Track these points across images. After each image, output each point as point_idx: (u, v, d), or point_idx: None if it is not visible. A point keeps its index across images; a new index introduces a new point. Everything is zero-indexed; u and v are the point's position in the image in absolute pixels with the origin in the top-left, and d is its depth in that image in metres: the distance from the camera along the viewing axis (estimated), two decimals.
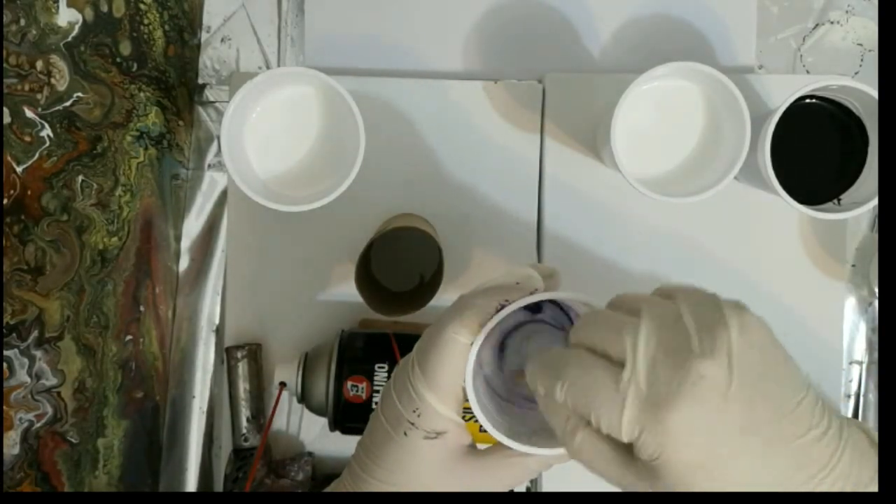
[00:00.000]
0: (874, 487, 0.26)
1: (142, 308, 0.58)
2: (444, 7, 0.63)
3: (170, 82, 0.60)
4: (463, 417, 0.34)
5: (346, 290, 0.57)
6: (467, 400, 0.33)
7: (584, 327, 0.30)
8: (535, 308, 0.35)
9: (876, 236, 0.63)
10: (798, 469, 0.25)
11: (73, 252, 0.50)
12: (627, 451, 0.28)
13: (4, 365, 0.44)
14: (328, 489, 0.37)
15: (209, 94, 0.64)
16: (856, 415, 0.63)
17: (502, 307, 0.32)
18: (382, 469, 0.34)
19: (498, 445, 0.33)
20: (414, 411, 0.33)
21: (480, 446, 0.35)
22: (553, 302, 0.35)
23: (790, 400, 0.26)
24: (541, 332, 0.35)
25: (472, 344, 0.32)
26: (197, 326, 0.64)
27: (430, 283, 0.57)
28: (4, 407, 0.44)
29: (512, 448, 0.32)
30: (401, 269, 0.60)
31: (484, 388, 0.35)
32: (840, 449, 0.26)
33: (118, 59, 0.54)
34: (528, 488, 0.62)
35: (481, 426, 0.32)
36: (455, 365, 0.32)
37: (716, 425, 0.25)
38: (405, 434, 0.33)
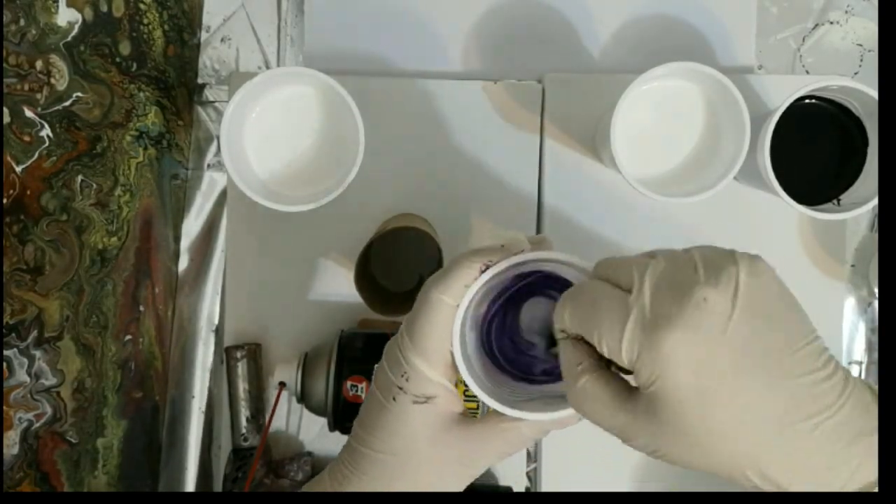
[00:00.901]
0: (874, 438, 0.26)
1: (141, 308, 0.58)
2: (445, 7, 0.63)
3: (169, 82, 0.60)
4: (457, 387, 0.34)
5: (346, 290, 0.57)
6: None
7: (604, 264, 0.30)
8: (528, 278, 0.35)
9: (876, 236, 0.63)
10: (797, 407, 0.25)
11: (73, 252, 0.50)
12: (628, 395, 0.28)
13: (4, 364, 0.44)
14: (327, 468, 0.36)
15: (209, 93, 0.64)
16: None
17: (487, 268, 0.32)
18: (374, 437, 0.34)
19: (491, 413, 0.33)
20: (402, 375, 0.33)
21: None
22: (543, 274, 0.35)
23: (795, 341, 0.26)
24: (539, 302, 0.35)
25: (458, 306, 0.32)
26: (196, 326, 0.64)
27: None
28: (4, 407, 0.44)
29: (503, 413, 0.32)
30: (400, 269, 0.60)
31: (478, 355, 0.35)
32: (844, 396, 0.26)
33: (118, 59, 0.54)
34: (527, 488, 0.62)
35: (467, 390, 0.32)
36: (441, 327, 0.32)
37: (713, 352, 0.25)
38: (394, 399, 0.33)
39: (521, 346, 0.36)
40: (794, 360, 0.26)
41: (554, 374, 0.35)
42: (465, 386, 0.33)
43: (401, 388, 0.33)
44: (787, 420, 0.25)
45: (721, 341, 0.25)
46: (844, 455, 0.26)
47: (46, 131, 0.47)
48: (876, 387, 0.29)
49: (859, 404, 0.26)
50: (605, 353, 0.28)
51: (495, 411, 0.32)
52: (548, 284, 0.35)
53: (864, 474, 0.26)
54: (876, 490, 0.26)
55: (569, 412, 0.32)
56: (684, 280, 0.27)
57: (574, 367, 0.30)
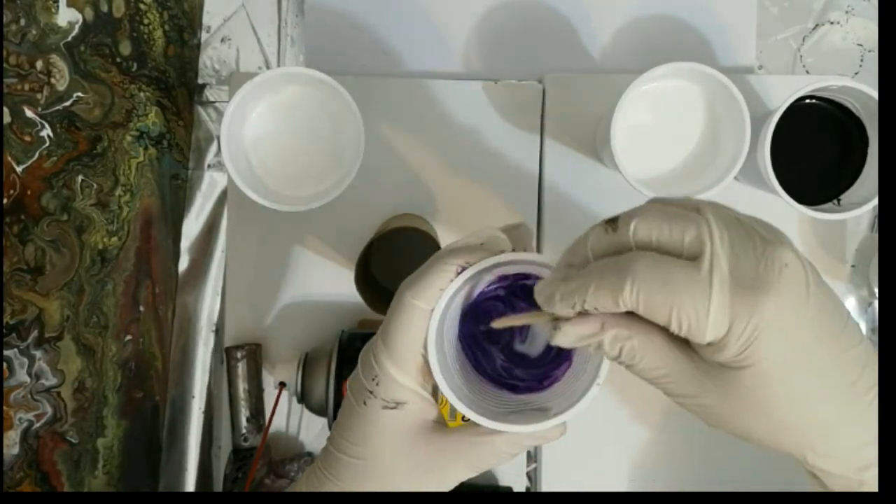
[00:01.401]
0: None
1: (141, 308, 0.58)
2: (444, 7, 0.63)
3: (170, 82, 0.60)
4: (435, 395, 0.32)
5: (346, 290, 0.57)
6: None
7: (645, 220, 0.26)
8: (510, 279, 0.34)
9: (876, 236, 0.63)
10: (861, 377, 0.25)
11: (73, 252, 0.50)
12: (684, 348, 0.26)
13: (4, 365, 0.44)
14: (307, 471, 0.36)
15: (209, 94, 0.64)
16: None
17: (464, 270, 0.31)
18: (346, 441, 0.32)
19: (467, 424, 0.32)
20: (373, 379, 0.31)
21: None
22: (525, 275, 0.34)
23: (844, 314, 0.26)
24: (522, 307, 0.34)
25: (432, 310, 0.31)
26: (197, 326, 0.64)
27: None
28: (4, 407, 0.44)
29: (479, 424, 0.30)
30: (400, 269, 0.60)
31: (457, 361, 0.34)
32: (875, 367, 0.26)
33: (118, 59, 0.54)
34: (527, 488, 0.62)
35: (442, 399, 0.31)
36: (415, 332, 0.30)
37: (799, 320, 0.24)
38: (364, 403, 0.32)
39: (504, 350, 0.35)
40: (848, 330, 0.26)
41: (538, 382, 0.34)
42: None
43: (371, 393, 0.32)
44: (859, 388, 0.25)
45: (804, 310, 0.24)
46: None
47: (47, 131, 0.47)
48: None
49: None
50: (683, 329, 0.25)
51: (472, 423, 0.31)
52: (518, 286, 0.33)
53: None
54: None
55: (547, 425, 0.30)
56: (751, 238, 0.25)
57: (597, 328, 0.26)
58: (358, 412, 0.32)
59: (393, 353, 0.31)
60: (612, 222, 0.27)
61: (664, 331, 0.26)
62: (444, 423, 0.33)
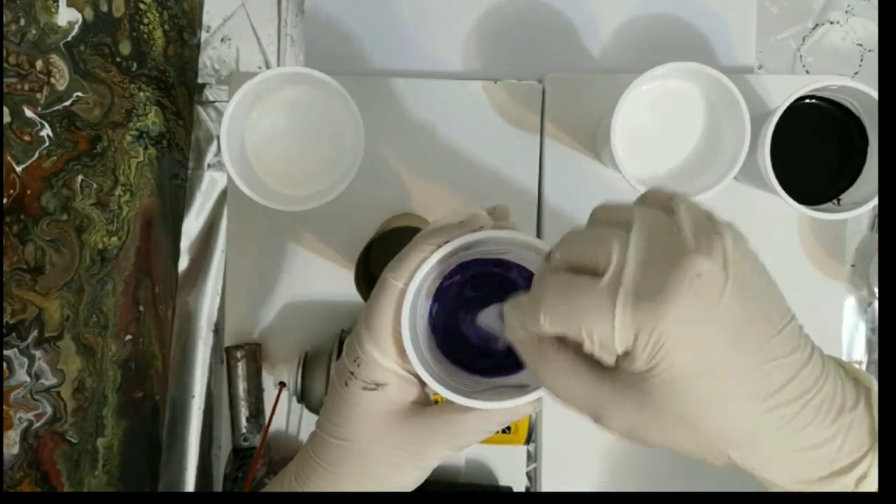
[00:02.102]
0: (859, 410, 0.26)
1: (141, 308, 0.58)
2: (444, 7, 0.63)
3: (169, 82, 0.60)
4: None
5: (346, 290, 0.57)
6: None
7: (566, 244, 0.27)
8: (494, 263, 0.34)
9: (876, 236, 0.63)
10: (787, 385, 0.25)
11: (73, 252, 0.50)
12: (603, 372, 0.26)
13: (4, 364, 0.44)
14: (297, 454, 0.36)
15: (209, 93, 0.64)
16: None
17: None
18: (330, 423, 0.33)
19: (442, 403, 0.32)
20: (355, 360, 0.32)
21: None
22: (490, 260, 0.34)
23: (779, 319, 0.25)
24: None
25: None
26: (196, 326, 0.64)
27: None
28: (4, 406, 0.44)
29: (452, 401, 0.31)
30: None
31: (429, 345, 0.34)
32: (824, 374, 0.26)
33: (118, 59, 0.54)
34: (527, 488, 0.62)
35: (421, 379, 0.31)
36: (394, 311, 0.31)
37: (710, 328, 0.24)
38: (346, 385, 0.32)
39: (472, 338, 0.35)
40: (780, 338, 0.25)
41: (508, 366, 0.34)
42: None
43: (352, 374, 0.32)
44: (779, 398, 0.25)
45: (715, 317, 0.24)
46: (830, 431, 0.25)
47: (47, 131, 0.47)
48: (841, 358, 0.29)
49: (837, 380, 0.26)
50: (596, 347, 0.25)
51: (447, 402, 0.31)
52: (493, 272, 0.33)
53: (849, 448, 0.26)
54: (857, 469, 0.26)
55: (519, 401, 0.30)
56: (671, 247, 0.25)
57: (540, 347, 0.28)
58: (340, 394, 0.32)
59: (374, 333, 0.31)
60: (548, 256, 0.28)
61: (587, 359, 0.26)
62: (425, 404, 0.33)
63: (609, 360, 0.26)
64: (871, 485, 0.26)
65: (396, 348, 0.31)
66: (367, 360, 0.32)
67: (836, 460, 0.26)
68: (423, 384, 0.32)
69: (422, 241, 0.31)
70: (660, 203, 0.27)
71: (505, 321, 0.29)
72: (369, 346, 0.31)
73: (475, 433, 0.32)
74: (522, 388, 0.32)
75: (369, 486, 0.33)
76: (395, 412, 0.32)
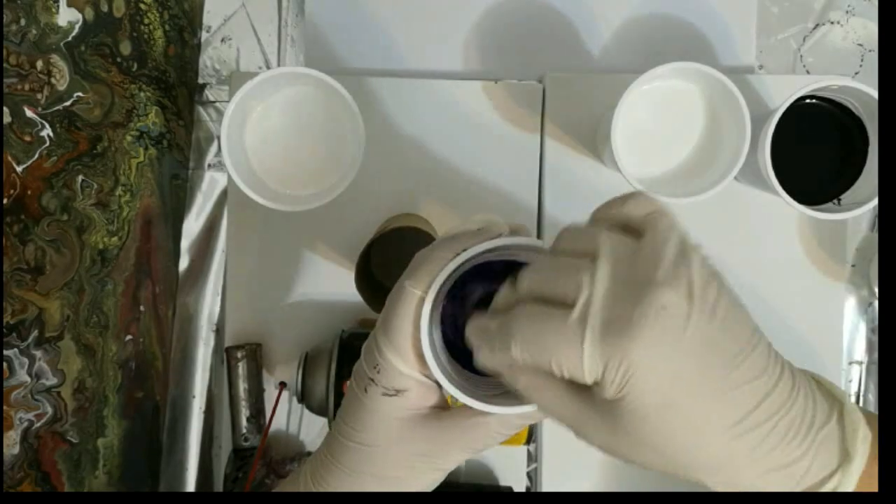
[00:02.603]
0: (829, 428, 0.26)
1: (142, 308, 0.58)
2: (444, 7, 0.63)
3: (170, 82, 0.61)
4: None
5: (346, 290, 0.57)
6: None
7: (532, 275, 0.28)
8: (509, 265, 0.34)
9: (876, 236, 0.63)
10: (755, 410, 0.25)
11: (73, 252, 0.50)
12: (582, 391, 0.27)
13: (4, 364, 0.44)
14: (313, 454, 0.36)
15: (209, 93, 0.64)
16: None
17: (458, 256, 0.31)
18: (347, 427, 0.33)
19: (460, 408, 0.32)
20: (374, 367, 0.32)
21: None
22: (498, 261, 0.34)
23: (746, 343, 0.26)
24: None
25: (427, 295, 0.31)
26: (197, 326, 0.64)
27: None
28: (4, 406, 0.44)
29: (470, 406, 0.31)
30: (401, 269, 0.60)
31: (444, 349, 0.34)
32: (794, 391, 0.26)
33: (118, 59, 0.54)
34: (527, 488, 0.62)
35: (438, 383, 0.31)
36: (413, 319, 0.31)
37: (674, 359, 0.24)
38: (366, 391, 0.32)
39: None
40: (748, 363, 0.25)
41: None
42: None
43: (372, 380, 0.32)
44: (747, 424, 0.25)
45: (680, 347, 0.24)
46: (799, 450, 0.26)
47: (47, 131, 0.47)
48: (813, 372, 0.29)
49: (808, 396, 0.26)
50: (566, 376, 0.26)
51: (464, 406, 0.31)
52: (502, 273, 0.33)
53: (818, 467, 0.26)
54: (827, 485, 0.26)
55: (533, 406, 0.31)
56: (635, 279, 0.25)
57: (513, 371, 0.28)
58: (359, 399, 0.33)
59: (393, 341, 0.31)
60: (513, 278, 0.29)
61: (563, 379, 0.27)
62: (444, 408, 0.34)
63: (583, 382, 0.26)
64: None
65: (416, 355, 0.32)
66: (386, 366, 0.32)
67: (805, 477, 0.26)
68: (440, 387, 0.33)
69: (439, 249, 0.31)
70: (623, 218, 0.28)
71: (471, 345, 0.30)
72: (389, 353, 0.31)
73: (494, 437, 0.33)
74: None
75: (387, 489, 0.34)
76: (414, 417, 0.33)
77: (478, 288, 0.34)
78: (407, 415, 0.32)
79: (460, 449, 0.33)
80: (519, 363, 0.27)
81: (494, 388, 0.33)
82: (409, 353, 0.31)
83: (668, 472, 0.27)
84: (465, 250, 0.31)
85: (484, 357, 0.29)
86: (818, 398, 0.27)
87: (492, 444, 0.33)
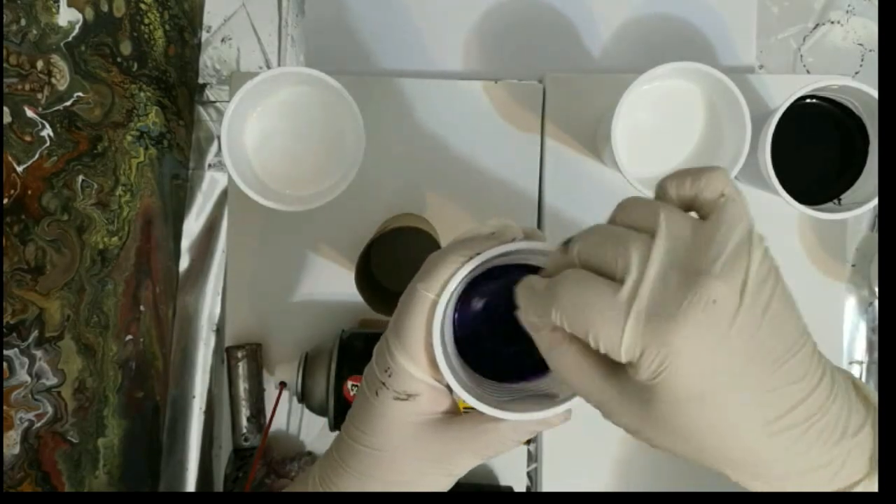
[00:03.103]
0: (862, 435, 0.26)
1: (142, 308, 0.58)
2: (444, 7, 0.63)
3: (170, 82, 0.61)
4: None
5: (346, 290, 0.57)
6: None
7: (586, 240, 0.27)
8: (521, 269, 0.33)
9: (876, 236, 0.63)
10: (792, 411, 0.25)
11: (74, 252, 0.50)
12: (613, 370, 0.26)
13: (4, 364, 0.44)
14: (322, 455, 0.36)
15: (209, 93, 0.64)
16: None
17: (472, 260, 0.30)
18: (358, 430, 0.33)
19: (472, 413, 0.32)
20: (386, 371, 0.32)
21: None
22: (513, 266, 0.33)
23: (793, 344, 0.25)
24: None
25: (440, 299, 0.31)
26: (197, 326, 0.64)
27: None
28: (4, 406, 0.44)
29: (482, 412, 0.31)
30: (401, 269, 0.60)
31: (456, 354, 0.34)
32: (832, 396, 0.26)
33: (118, 59, 0.54)
34: (528, 488, 0.62)
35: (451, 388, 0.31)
36: (425, 323, 0.31)
37: (718, 352, 0.24)
38: (377, 394, 0.32)
39: (493, 345, 0.34)
40: (792, 363, 0.25)
41: (531, 372, 0.34)
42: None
43: (383, 384, 0.32)
44: (783, 424, 0.25)
45: (725, 341, 0.24)
46: (830, 455, 0.26)
47: (47, 131, 0.47)
48: (855, 377, 0.29)
49: (845, 402, 0.26)
50: (602, 349, 0.25)
51: (475, 411, 0.31)
52: (514, 276, 0.33)
53: (847, 473, 0.26)
54: (858, 489, 0.26)
55: (548, 413, 0.30)
56: (690, 266, 0.24)
57: (546, 338, 0.28)
58: (370, 402, 0.32)
59: (405, 345, 0.31)
60: (567, 243, 0.28)
61: (598, 355, 0.26)
62: (455, 413, 0.33)
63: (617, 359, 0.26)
64: None
65: (428, 359, 0.31)
66: (398, 370, 0.31)
67: (831, 483, 0.26)
68: (452, 392, 0.32)
69: (452, 252, 0.31)
70: (692, 195, 0.27)
71: (518, 303, 0.29)
72: (401, 357, 0.31)
73: (506, 443, 0.32)
74: (549, 397, 0.31)
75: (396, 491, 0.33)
76: (425, 422, 0.32)
77: (490, 292, 0.34)
78: (418, 419, 0.32)
79: (471, 454, 0.33)
80: (555, 327, 0.27)
81: (506, 393, 0.33)
82: (422, 358, 0.31)
83: (691, 460, 0.26)
84: (478, 254, 0.31)
85: (526, 314, 0.28)
86: (854, 404, 0.27)
87: (503, 450, 0.33)
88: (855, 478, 0.26)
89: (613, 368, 0.26)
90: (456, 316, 0.34)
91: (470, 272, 0.31)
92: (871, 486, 0.26)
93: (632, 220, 0.27)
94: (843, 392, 0.27)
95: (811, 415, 0.25)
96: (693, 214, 0.27)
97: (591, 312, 0.25)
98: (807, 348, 0.26)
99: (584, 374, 0.27)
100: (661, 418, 0.25)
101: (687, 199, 0.27)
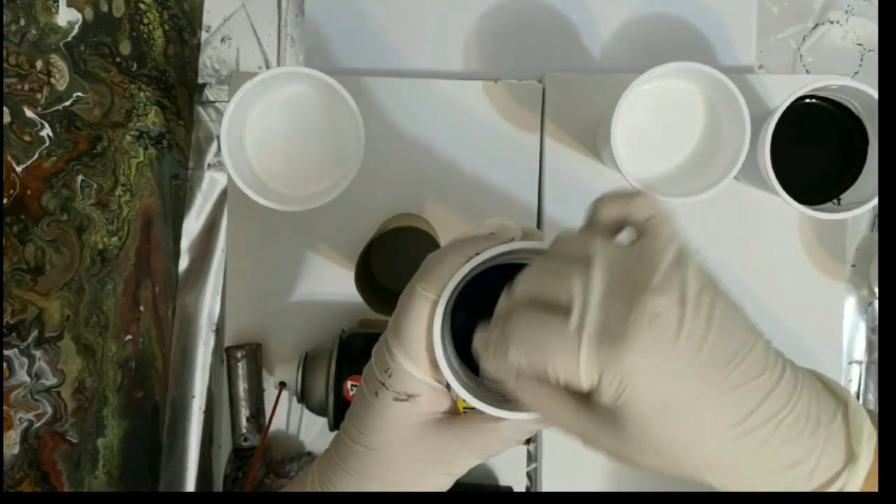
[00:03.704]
0: (835, 426, 0.26)
1: (142, 308, 0.58)
2: (444, 7, 0.63)
3: (170, 82, 0.60)
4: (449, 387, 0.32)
5: (346, 290, 0.57)
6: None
7: (528, 279, 0.28)
8: (520, 268, 0.34)
9: (876, 236, 0.63)
10: (756, 410, 0.25)
11: (73, 252, 0.50)
12: (582, 398, 0.27)
13: (4, 364, 0.44)
14: (320, 455, 0.36)
15: (209, 93, 0.64)
16: None
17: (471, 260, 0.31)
18: (356, 430, 0.33)
19: (472, 412, 0.32)
20: (385, 371, 0.32)
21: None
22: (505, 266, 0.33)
23: (744, 343, 0.26)
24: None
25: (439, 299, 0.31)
26: (197, 326, 0.64)
27: None
28: (4, 406, 0.44)
29: (482, 411, 0.31)
30: (401, 268, 0.60)
31: (455, 354, 0.34)
32: (798, 390, 0.26)
33: (118, 59, 0.54)
34: (527, 488, 0.62)
35: (450, 387, 0.31)
36: (425, 325, 0.31)
37: (670, 363, 0.24)
38: (376, 394, 0.32)
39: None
40: (748, 362, 0.25)
41: None
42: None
43: (383, 384, 0.32)
44: (748, 424, 0.25)
45: (676, 350, 0.24)
46: (804, 448, 0.26)
47: (47, 131, 0.47)
48: (819, 372, 0.29)
49: (812, 394, 0.26)
50: (562, 381, 0.26)
51: (475, 411, 0.31)
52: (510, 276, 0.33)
53: (826, 465, 0.26)
54: (835, 484, 0.26)
55: None
56: (630, 284, 0.25)
57: (518, 379, 0.28)
58: (370, 403, 0.32)
59: (405, 345, 0.31)
60: (510, 283, 0.29)
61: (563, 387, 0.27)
62: (455, 412, 0.33)
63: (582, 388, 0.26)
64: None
65: (428, 360, 0.31)
66: (398, 371, 0.31)
67: (812, 477, 0.26)
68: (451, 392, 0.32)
69: (451, 253, 0.31)
70: (623, 217, 0.28)
71: (477, 357, 0.29)
72: (401, 357, 0.31)
73: (506, 442, 0.33)
74: None
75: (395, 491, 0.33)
76: (425, 422, 0.32)
77: (489, 291, 0.34)
78: (418, 420, 0.32)
79: (471, 454, 0.33)
80: (519, 370, 0.27)
81: (506, 393, 0.33)
82: (421, 358, 0.31)
83: (676, 476, 0.27)
84: (477, 254, 0.31)
85: (487, 365, 0.29)
86: (822, 397, 0.27)
87: (503, 449, 0.33)
88: (833, 471, 0.26)
89: (581, 398, 0.27)
90: (455, 315, 0.34)
91: (469, 272, 0.31)
92: (852, 477, 0.26)
93: (568, 251, 0.28)
94: (809, 385, 0.27)
95: (777, 411, 0.25)
96: (624, 233, 0.28)
97: (545, 347, 0.26)
98: (759, 346, 0.26)
99: (556, 409, 0.27)
100: (634, 436, 0.26)
101: (617, 221, 0.29)
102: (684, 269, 0.25)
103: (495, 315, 0.29)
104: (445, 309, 0.31)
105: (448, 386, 0.31)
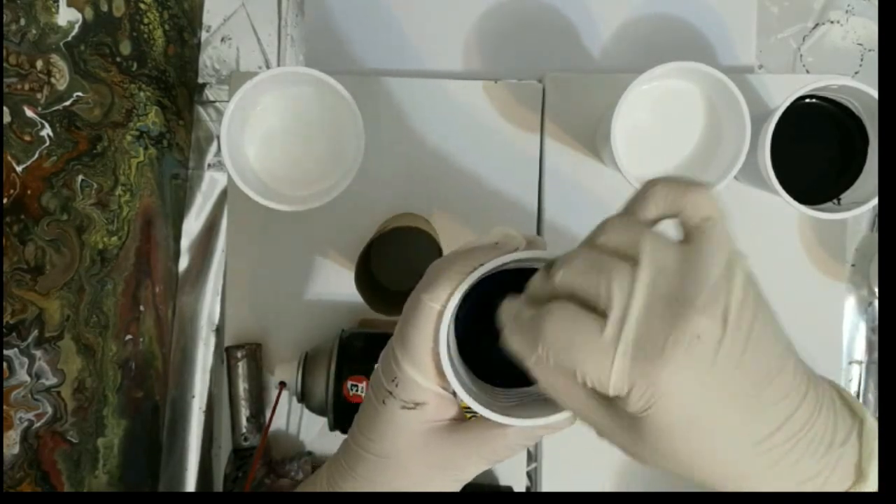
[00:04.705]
0: (848, 445, 0.26)
1: (142, 308, 0.58)
2: (444, 7, 0.63)
3: (170, 82, 0.60)
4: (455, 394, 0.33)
5: (346, 290, 0.57)
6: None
7: (569, 267, 0.27)
8: (523, 274, 0.34)
9: (876, 236, 0.63)
10: (778, 429, 0.25)
11: (73, 251, 0.50)
12: (605, 396, 0.26)
13: (4, 364, 0.44)
14: (328, 461, 0.37)
15: (209, 93, 0.64)
16: None
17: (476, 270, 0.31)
18: (365, 438, 0.33)
19: (479, 419, 0.32)
20: (392, 380, 0.32)
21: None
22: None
23: (776, 363, 0.26)
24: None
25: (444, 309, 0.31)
26: (197, 326, 0.64)
27: None
28: (4, 406, 0.44)
29: (489, 418, 0.31)
30: (401, 269, 0.60)
31: (459, 361, 0.34)
32: (817, 410, 0.26)
33: (118, 59, 0.54)
34: (527, 488, 0.62)
35: (455, 393, 0.31)
36: (431, 333, 0.31)
37: (704, 382, 0.24)
38: (384, 403, 0.32)
39: (492, 350, 0.34)
40: (776, 383, 0.25)
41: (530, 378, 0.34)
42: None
43: (390, 393, 0.32)
44: (770, 443, 0.25)
45: (711, 371, 0.24)
46: (817, 467, 0.26)
47: (47, 131, 0.47)
48: (839, 385, 0.29)
49: (830, 413, 0.27)
50: (589, 385, 0.26)
51: (482, 417, 0.31)
52: (514, 281, 0.33)
53: (835, 482, 0.26)
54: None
55: (555, 419, 0.31)
56: (673, 297, 0.24)
57: (539, 365, 0.28)
58: (377, 410, 0.33)
59: (411, 355, 0.31)
60: (550, 267, 0.28)
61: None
62: (461, 419, 0.34)
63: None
64: None
65: (434, 368, 0.31)
66: (405, 380, 0.32)
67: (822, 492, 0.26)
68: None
69: (456, 263, 0.31)
70: (676, 211, 0.27)
71: (501, 326, 0.29)
72: (407, 367, 0.31)
73: (513, 448, 0.33)
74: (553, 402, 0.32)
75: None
76: (432, 430, 0.33)
77: (491, 297, 0.34)
78: (425, 427, 0.32)
79: (479, 460, 0.33)
80: (544, 361, 0.27)
81: (513, 398, 0.34)
82: (428, 367, 0.31)
83: (684, 478, 0.27)
84: (482, 265, 0.31)
85: (510, 341, 0.28)
86: (839, 416, 0.27)
87: (510, 455, 0.33)
88: (842, 487, 0.26)
89: (603, 396, 0.27)
90: (458, 322, 0.34)
91: (473, 283, 0.31)
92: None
93: (614, 244, 0.27)
94: (829, 403, 0.27)
95: (798, 430, 0.26)
96: (670, 225, 0.28)
97: (577, 352, 0.25)
98: (790, 365, 0.26)
99: (574, 398, 0.27)
100: (651, 443, 0.26)
101: (669, 214, 0.28)
102: (731, 282, 0.25)
103: (528, 292, 0.29)
104: (450, 319, 0.31)
105: (454, 393, 0.32)
